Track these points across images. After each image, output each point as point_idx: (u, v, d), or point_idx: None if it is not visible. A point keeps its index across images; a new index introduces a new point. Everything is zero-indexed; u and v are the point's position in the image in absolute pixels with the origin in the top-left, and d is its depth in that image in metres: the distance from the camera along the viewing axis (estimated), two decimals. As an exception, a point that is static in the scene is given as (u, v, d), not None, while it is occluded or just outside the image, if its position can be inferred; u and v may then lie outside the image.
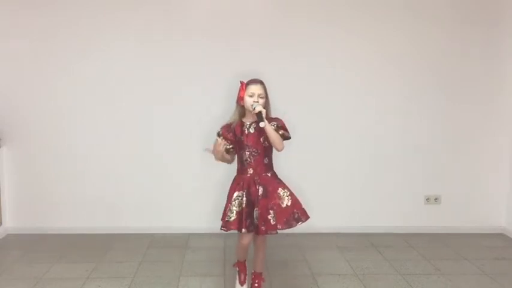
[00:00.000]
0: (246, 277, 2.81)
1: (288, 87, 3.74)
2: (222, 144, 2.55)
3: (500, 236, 3.93)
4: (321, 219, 3.89)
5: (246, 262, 2.84)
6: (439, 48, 3.83)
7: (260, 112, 2.46)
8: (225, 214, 2.58)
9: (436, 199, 3.97)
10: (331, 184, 3.91)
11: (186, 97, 3.77)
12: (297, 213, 2.53)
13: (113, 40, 3.72)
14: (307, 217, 2.58)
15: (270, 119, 2.57)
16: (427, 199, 3.97)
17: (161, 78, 3.75)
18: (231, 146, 2.61)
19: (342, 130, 3.87)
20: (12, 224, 3.84)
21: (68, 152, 3.79)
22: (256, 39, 3.73)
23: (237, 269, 2.80)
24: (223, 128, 2.66)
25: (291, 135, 2.62)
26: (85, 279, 2.94)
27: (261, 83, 2.58)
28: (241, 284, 2.77)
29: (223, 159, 2.62)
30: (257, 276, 2.69)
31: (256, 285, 2.67)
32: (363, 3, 3.76)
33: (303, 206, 2.59)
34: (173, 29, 3.72)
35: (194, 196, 3.84)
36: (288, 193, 2.56)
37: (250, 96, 2.53)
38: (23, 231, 3.81)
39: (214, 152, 2.60)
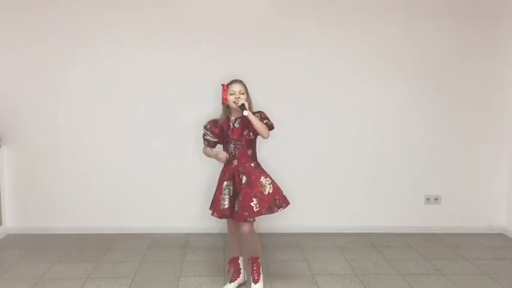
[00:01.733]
0: (238, 278, 2.88)
1: (288, 87, 3.74)
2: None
3: (500, 236, 3.93)
4: (321, 219, 3.92)
5: (239, 260, 2.91)
6: (439, 48, 3.82)
7: (243, 104, 2.69)
8: (215, 203, 2.82)
9: (436, 199, 3.97)
10: (331, 184, 3.90)
11: (187, 97, 3.77)
12: (278, 199, 2.73)
13: (114, 40, 3.72)
14: (287, 203, 2.78)
15: (253, 112, 2.74)
16: (427, 199, 3.97)
17: (162, 78, 3.75)
18: (216, 140, 2.85)
19: (341, 130, 3.87)
20: (12, 224, 3.84)
21: (68, 152, 3.79)
22: (256, 40, 3.73)
23: (230, 266, 2.91)
24: (210, 122, 2.88)
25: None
26: (85, 279, 2.94)
27: (241, 82, 2.81)
28: (231, 281, 2.87)
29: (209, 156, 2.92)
30: (254, 261, 2.85)
31: (255, 268, 2.84)
32: (363, 3, 3.76)
33: (284, 193, 2.78)
34: (174, 30, 3.72)
35: (194, 196, 3.84)
36: (270, 181, 2.75)
37: (232, 94, 2.75)
38: (23, 231, 3.81)
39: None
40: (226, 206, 2.75)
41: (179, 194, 3.86)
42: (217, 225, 3.84)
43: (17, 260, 3.27)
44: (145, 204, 3.86)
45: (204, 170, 3.78)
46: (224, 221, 3.70)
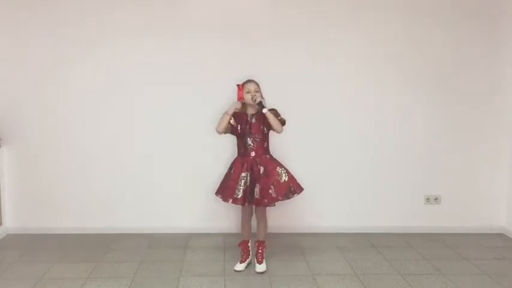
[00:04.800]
0: (247, 258, 3.14)
1: (288, 87, 3.74)
2: (228, 120, 3.06)
3: (500, 236, 3.93)
4: (321, 219, 3.92)
5: (249, 243, 3.19)
6: (439, 48, 3.82)
7: (261, 102, 2.98)
8: (227, 190, 3.06)
9: (436, 199, 3.97)
10: (331, 184, 3.90)
11: (187, 98, 3.77)
12: (292, 186, 3.10)
13: (115, 40, 3.71)
14: (301, 189, 3.14)
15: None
16: (427, 199, 3.97)
17: (162, 78, 3.75)
18: (234, 122, 3.09)
19: (342, 130, 3.87)
20: (12, 224, 3.84)
21: (67, 152, 3.79)
22: (256, 40, 3.73)
23: (240, 248, 3.17)
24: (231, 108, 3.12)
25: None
26: (85, 279, 2.94)
27: (254, 81, 3.10)
28: (241, 262, 3.12)
29: (225, 131, 3.11)
30: (260, 244, 3.16)
31: (260, 251, 3.14)
32: (363, 3, 3.76)
33: (298, 181, 3.14)
34: (174, 29, 3.71)
35: (194, 196, 3.84)
36: (285, 171, 3.12)
37: (248, 92, 3.05)
38: (23, 231, 3.81)
39: (220, 125, 3.08)
40: (240, 196, 3.00)
41: (179, 194, 3.86)
42: (217, 225, 3.85)
43: (17, 260, 3.27)
44: (146, 204, 3.86)
45: (205, 170, 3.77)
46: (224, 221, 3.78)
